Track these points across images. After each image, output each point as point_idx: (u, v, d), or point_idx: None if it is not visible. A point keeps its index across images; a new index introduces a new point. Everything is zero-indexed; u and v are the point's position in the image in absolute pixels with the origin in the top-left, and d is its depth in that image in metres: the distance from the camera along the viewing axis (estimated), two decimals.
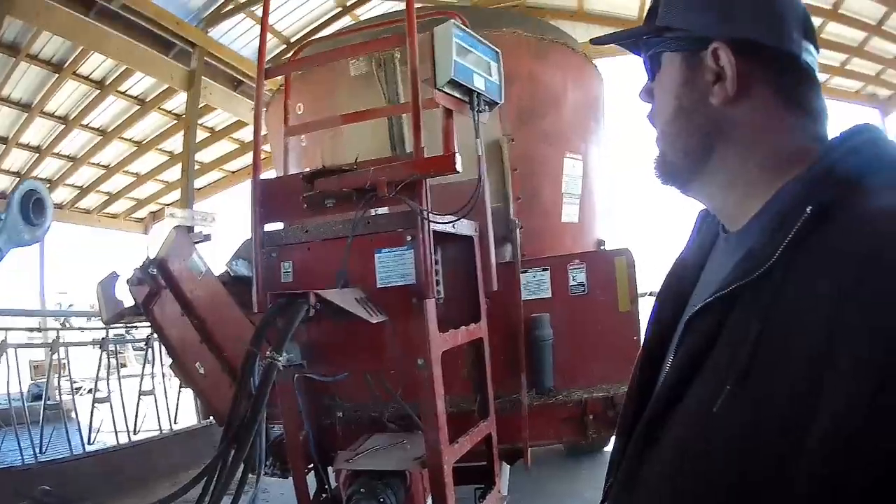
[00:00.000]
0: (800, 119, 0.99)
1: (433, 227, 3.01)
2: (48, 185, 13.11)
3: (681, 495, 0.88)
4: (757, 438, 0.76)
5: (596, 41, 1.30)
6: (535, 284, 4.23)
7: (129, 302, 4.81)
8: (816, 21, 10.19)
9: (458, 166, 2.85)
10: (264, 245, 3.29)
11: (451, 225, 3.21)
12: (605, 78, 6.04)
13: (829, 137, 0.98)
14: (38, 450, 6.98)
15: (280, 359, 2.64)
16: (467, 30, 3.03)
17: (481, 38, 3.14)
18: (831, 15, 10.31)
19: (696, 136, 1.04)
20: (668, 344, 1.11)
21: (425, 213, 2.90)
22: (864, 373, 0.67)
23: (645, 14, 1.19)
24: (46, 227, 3.31)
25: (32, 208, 3.29)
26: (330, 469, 3.68)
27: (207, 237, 5.34)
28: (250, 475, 2.73)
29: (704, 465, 0.83)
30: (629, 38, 1.19)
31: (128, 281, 4.66)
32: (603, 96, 5.97)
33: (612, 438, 1.25)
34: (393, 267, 3.00)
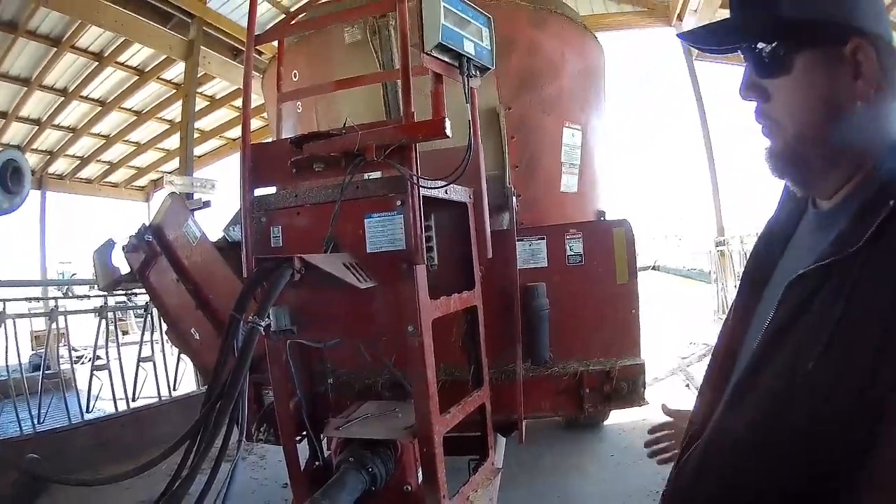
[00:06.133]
0: None
1: (424, 192, 2.97)
2: (48, 157, 13.15)
3: (766, 442, 1.02)
4: (838, 393, 0.92)
5: (687, 35, 1.23)
6: (532, 253, 4.20)
7: (125, 269, 4.79)
8: None
9: (448, 130, 2.79)
10: (254, 210, 3.25)
11: (443, 191, 3.17)
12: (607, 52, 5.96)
13: None
14: (36, 420, 6.97)
15: (262, 323, 2.60)
16: None
17: (472, 4, 3.07)
18: None
19: (846, 141, 1.06)
20: (756, 306, 1.24)
21: (414, 177, 2.85)
22: None
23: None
24: (25, 195, 3.28)
25: (10, 177, 3.26)
26: (324, 437, 3.66)
27: (207, 204, 5.32)
28: (233, 440, 2.71)
29: (793, 415, 0.98)
30: (751, 35, 1.13)
31: (123, 248, 4.64)
32: (603, 68, 5.89)
33: (693, 397, 1.41)
34: (382, 232, 2.95)
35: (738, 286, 1.36)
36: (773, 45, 1.08)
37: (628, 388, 4.24)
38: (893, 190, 0.94)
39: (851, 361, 0.90)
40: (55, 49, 9.93)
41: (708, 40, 1.22)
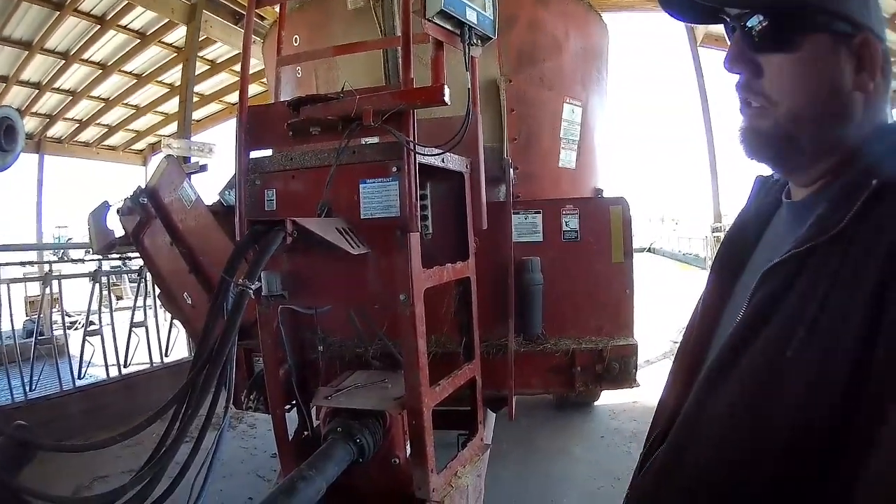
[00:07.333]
0: (886, 113, 1.09)
1: (420, 159, 2.93)
2: (47, 120, 13.05)
3: (747, 429, 0.99)
4: (826, 374, 0.89)
5: None
6: (527, 227, 4.18)
7: (119, 232, 4.77)
8: None
9: (447, 97, 2.76)
10: (249, 172, 3.22)
11: (439, 159, 3.14)
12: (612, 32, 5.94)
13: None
14: (27, 387, 6.94)
15: (252, 286, 2.57)
16: None
17: None
18: None
19: (839, 127, 1.07)
20: (727, 298, 1.24)
21: (411, 143, 2.82)
22: None
23: None
24: (17, 154, 3.25)
25: (3, 135, 3.23)
26: (313, 406, 3.64)
27: (204, 167, 5.30)
28: (220, 406, 2.67)
29: (774, 401, 0.95)
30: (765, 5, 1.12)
31: (118, 211, 4.61)
32: (607, 47, 5.87)
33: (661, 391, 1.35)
34: (377, 198, 2.92)
35: (706, 280, 1.34)
36: (778, 20, 1.07)
37: (620, 369, 4.23)
38: (875, 170, 0.95)
39: (835, 352, 0.89)
40: (58, 13, 9.80)
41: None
